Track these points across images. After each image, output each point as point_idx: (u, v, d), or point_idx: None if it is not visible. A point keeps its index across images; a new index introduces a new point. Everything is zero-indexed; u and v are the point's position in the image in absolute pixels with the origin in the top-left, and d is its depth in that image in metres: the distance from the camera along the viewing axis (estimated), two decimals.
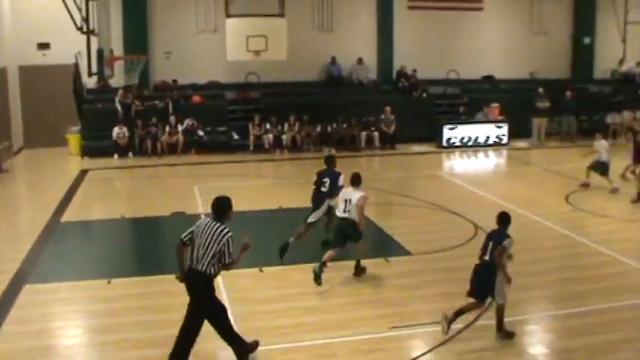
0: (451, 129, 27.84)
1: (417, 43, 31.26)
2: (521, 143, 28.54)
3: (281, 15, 25.78)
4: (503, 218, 10.46)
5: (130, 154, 25.86)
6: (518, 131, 28.68)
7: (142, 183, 22.51)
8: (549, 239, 15.88)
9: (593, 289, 12.59)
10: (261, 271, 13.31)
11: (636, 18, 30.73)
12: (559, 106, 29.39)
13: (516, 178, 23.42)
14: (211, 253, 8.86)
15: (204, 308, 9.07)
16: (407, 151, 27.10)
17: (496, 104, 29.10)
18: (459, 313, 10.26)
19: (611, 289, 12.57)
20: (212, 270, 8.94)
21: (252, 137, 26.69)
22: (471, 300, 10.37)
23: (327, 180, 14.55)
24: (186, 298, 9.16)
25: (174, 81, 28.73)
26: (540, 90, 28.75)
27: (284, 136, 26.76)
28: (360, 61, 30.46)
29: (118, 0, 27.95)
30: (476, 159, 26.61)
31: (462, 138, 27.82)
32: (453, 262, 13.85)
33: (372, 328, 10.56)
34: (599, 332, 10.81)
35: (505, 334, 10.34)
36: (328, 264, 12.54)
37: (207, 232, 8.92)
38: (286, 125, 27.02)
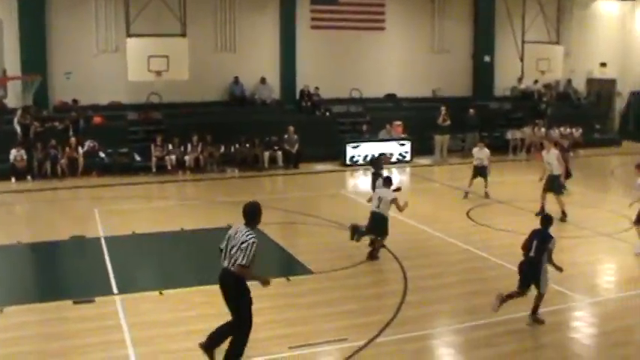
0: (354, 147, 27.99)
1: (320, 63, 31.41)
2: (423, 160, 28.96)
3: (183, 35, 25.51)
4: (547, 220, 12.22)
5: (29, 177, 25.10)
6: (421, 148, 29.11)
7: (40, 207, 21.84)
8: (450, 254, 16.10)
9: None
10: (161, 294, 13.04)
11: (533, 37, 31.51)
12: (462, 123, 29.96)
13: (419, 195, 23.65)
14: (235, 254, 9.46)
15: (238, 307, 9.64)
16: (310, 170, 27.10)
17: (399, 122, 29.46)
18: (509, 297, 11.76)
19: (510, 302, 12.76)
20: (235, 268, 9.49)
21: (154, 159, 26.28)
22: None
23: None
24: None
25: (75, 101, 28.05)
26: (442, 108, 29.20)
27: (187, 157, 26.43)
28: (263, 80, 30.40)
29: (15, 19, 27.20)
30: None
31: (366, 156, 27.99)
32: (354, 279, 13.91)
33: (273, 349, 10.46)
34: (499, 344, 11.03)
35: (535, 320, 11.78)
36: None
37: (238, 236, 9.53)
38: (189, 146, 26.70)
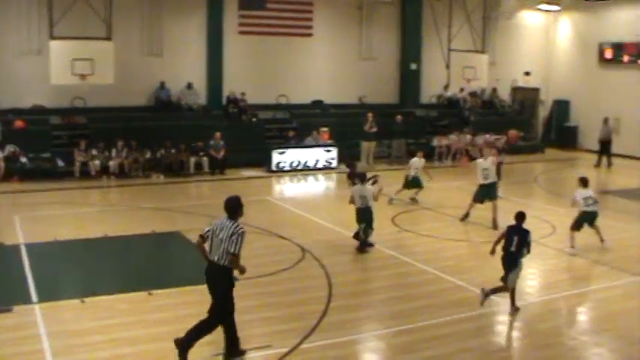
0: (280, 153, 27.91)
1: (248, 68, 31.24)
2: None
3: (108, 38, 25.11)
4: (522, 216, 12.78)
5: None
6: (348, 155, 29.14)
7: None
8: (375, 260, 16.14)
9: (418, 307, 12.94)
10: (83, 302, 12.73)
11: (459, 46, 31.92)
12: (389, 130, 30.16)
13: (345, 201, 23.60)
14: (224, 246, 9.94)
15: (222, 298, 10.16)
16: (236, 176, 26.85)
17: (325, 128, 29.49)
18: (495, 290, 12.73)
19: (434, 306, 12.93)
20: (226, 261, 10.01)
21: (77, 164, 25.76)
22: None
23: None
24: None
25: None
26: (369, 114, 29.34)
27: (111, 162, 25.96)
28: (189, 85, 30.11)
29: None
30: (305, 183, 26.78)
31: (292, 162, 27.95)
32: (278, 286, 13.85)
33: (195, 356, 10.29)
34: (423, 348, 11.11)
35: (516, 310, 12.70)
36: None
37: (224, 230, 10.00)
38: (114, 151, 26.24)
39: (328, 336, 11.30)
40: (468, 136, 32.39)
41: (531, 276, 15.66)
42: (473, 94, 36.29)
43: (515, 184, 26.24)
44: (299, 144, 28.74)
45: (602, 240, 17.20)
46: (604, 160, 32.10)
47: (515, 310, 12.75)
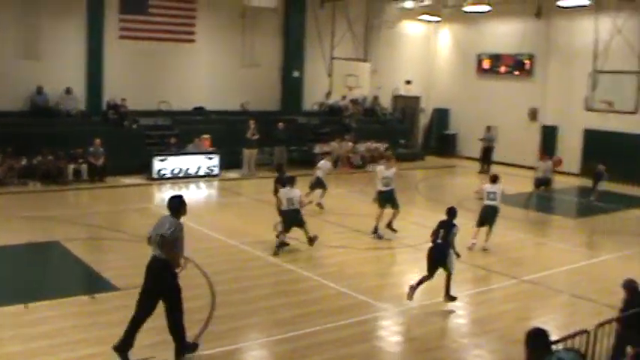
0: (162, 160, 27.45)
1: (129, 74, 30.55)
2: (232, 174, 28.85)
3: None
4: (452, 212, 14.03)
5: None
6: (230, 162, 28.99)
7: None
8: (258, 267, 16.08)
9: (302, 314, 12.94)
10: None
11: (341, 54, 32.28)
12: (271, 137, 30.15)
13: (227, 209, 23.62)
14: (167, 242, 10.29)
15: (161, 290, 10.47)
16: (117, 184, 26.20)
17: (207, 135, 29.19)
18: (419, 283, 13.72)
19: (318, 313, 12.96)
20: (166, 254, 10.36)
21: None
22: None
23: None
24: None
25: None
26: (251, 122, 29.26)
27: None
28: (68, 90, 29.18)
29: None
30: (187, 190, 26.38)
31: (173, 169, 27.56)
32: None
33: None
34: (307, 356, 11.11)
35: (450, 298, 13.72)
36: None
37: (166, 227, 10.39)
38: None
39: (211, 345, 11.15)
40: (350, 144, 32.74)
41: (412, 281, 15.92)
42: (355, 102, 36.65)
43: (396, 192, 26.65)
44: (180, 151, 28.36)
45: (486, 241, 18.24)
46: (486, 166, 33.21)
47: (450, 299, 13.83)
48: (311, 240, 17.53)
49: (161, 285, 10.49)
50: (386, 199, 19.55)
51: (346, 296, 14.10)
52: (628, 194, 27.71)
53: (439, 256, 13.64)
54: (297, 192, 17.81)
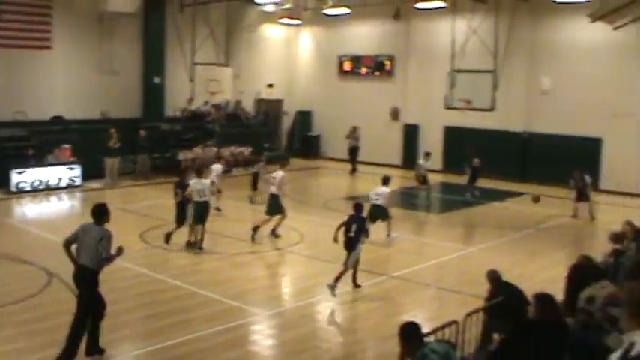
0: (20, 173, 26.36)
1: None
2: (95, 184, 28.06)
3: None
4: (358, 206, 15.42)
5: None
6: (92, 172, 28.20)
7: None
8: (125, 279, 15.61)
9: (173, 323, 12.74)
10: None
11: (203, 59, 32.02)
12: (134, 145, 29.56)
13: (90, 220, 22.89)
14: (93, 250, 10.61)
15: (88, 296, 10.82)
16: None
17: (67, 146, 28.27)
18: (337, 279, 14.40)
19: (190, 321, 12.82)
20: (94, 264, 10.71)
21: None
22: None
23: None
24: None
25: None
26: (112, 130, 28.59)
27: None
28: None
29: None
30: (49, 203, 25.55)
31: (33, 182, 26.57)
32: (25, 314, 13.08)
33: None
34: None
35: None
36: None
37: (91, 234, 10.69)
38: None
39: None
40: (214, 149, 32.48)
41: (283, 283, 15.96)
42: (217, 107, 36.41)
43: (263, 194, 26.64)
44: (40, 163, 27.36)
45: (388, 235, 19.93)
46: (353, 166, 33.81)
47: (356, 286, 15.00)
48: (192, 243, 18.02)
49: (83, 289, 10.93)
50: (276, 205, 19.69)
51: (218, 303, 13.98)
52: (488, 188, 28.59)
53: (351, 248, 14.77)
54: (206, 182, 18.28)
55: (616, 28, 26.97)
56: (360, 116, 36.83)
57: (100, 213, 10.97)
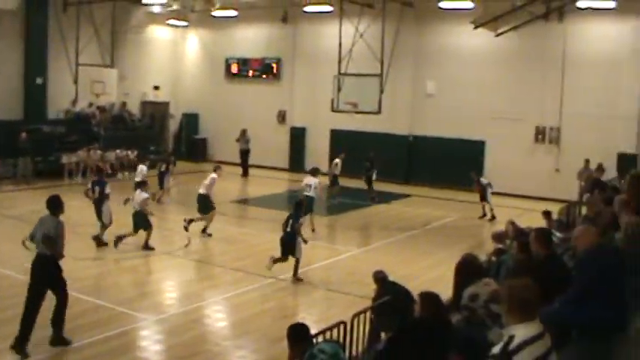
0: None
1: None
2: None
3: None
4: (298, 204, 16.77)
5: None
6: None
7: None
8: (8, 287, 15.13)
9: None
10: None
11: (87, 60, 31.30)
12: (14, 148, 28.65)
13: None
14: (51, 239, 11.49)
15: (49, 283, 11.69)
16: None
17: None
18: (277, 260, 16.11)
19: (77, 329, 12.50)
20: (49, 252, 11.54)
21: None
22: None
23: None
24: None
25: None
26: None
27: None
28: None
29: None
30: None
31: None
32: None
33: None
34: None
35: (297, 279, 16.00)
36: None
37: (47, 224, 11.69)
38: None
39: None
40: (98, 152, 31.84)
41: (171, 288, 15.77)
42: (102, 109, 35.67)
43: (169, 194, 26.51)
44: None
45: (312, 230, 20.87)
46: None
47: (297, 280, 16.03)
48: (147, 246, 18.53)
49: (49, 279, 11.63)
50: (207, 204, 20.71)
51: (105, 309, 13.72)
52: (376, 190, 28.95)
53: (289, 243, 15.99)
54: (139, 195, 18.71)
55: (498, 35, 27.80)
56: (248, 119, 36.78)
57: (55, 204, 11.95)
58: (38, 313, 11.47)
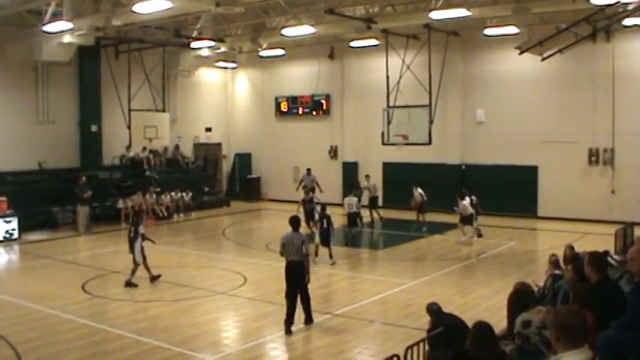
0: None
1: None
2: (34, 236, 27.57)
3: None
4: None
5: None
6: (30, 224, 27.77)
7: None
8: (68, 331, 15.35)
9: None
10: None
11: (139, 105, 31.90)
12: (73, 195, 29.17)
13: (30, 273, 22.41)
14: (297, 249, 14.76)
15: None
16: None
17: (3, 198, 27.74)
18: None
19: None
20: (299, 258, 14.82)
21: None
22: None
23: None
24: None
25: None
26: (83, 178, 28.92)
27: None
28: None
29: None
30: None
31: None
32: None
33: None
34: None
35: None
36: None
37: (293, 238, 14.94)
38: None
39: None
40: (154, 196, 32.28)
41: (227, 327, 15.83)
42: (155, 153, 36.23)
43: (204, 239, 26.54)
44: None
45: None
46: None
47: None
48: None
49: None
50: None
51: (162, 350, 13.78)
52: (430, 221, 28.85)
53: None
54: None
55: (544, 59, 27.64)
56: (300, 156, 37.03)
57: (295, 222, 15.15)
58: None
